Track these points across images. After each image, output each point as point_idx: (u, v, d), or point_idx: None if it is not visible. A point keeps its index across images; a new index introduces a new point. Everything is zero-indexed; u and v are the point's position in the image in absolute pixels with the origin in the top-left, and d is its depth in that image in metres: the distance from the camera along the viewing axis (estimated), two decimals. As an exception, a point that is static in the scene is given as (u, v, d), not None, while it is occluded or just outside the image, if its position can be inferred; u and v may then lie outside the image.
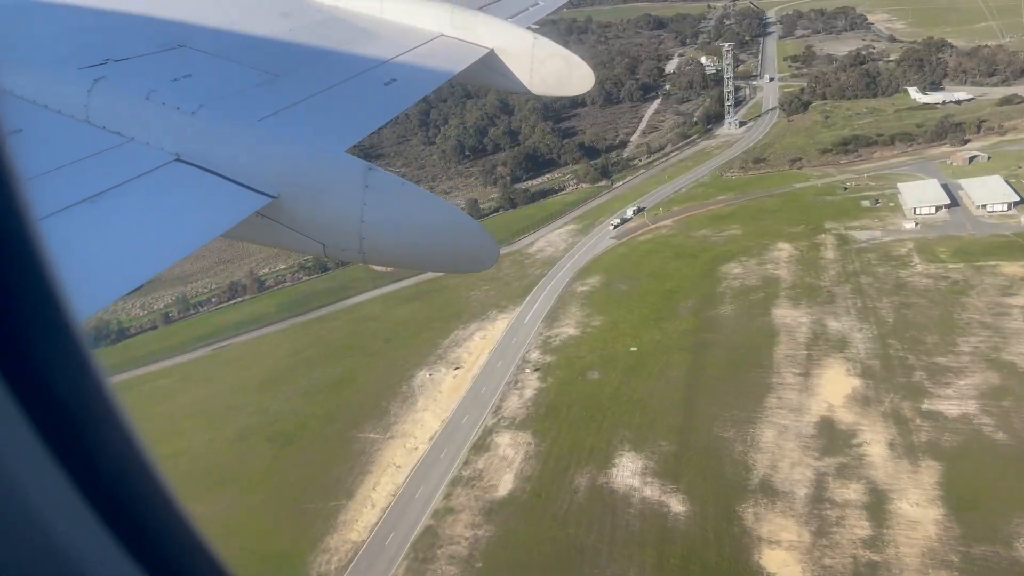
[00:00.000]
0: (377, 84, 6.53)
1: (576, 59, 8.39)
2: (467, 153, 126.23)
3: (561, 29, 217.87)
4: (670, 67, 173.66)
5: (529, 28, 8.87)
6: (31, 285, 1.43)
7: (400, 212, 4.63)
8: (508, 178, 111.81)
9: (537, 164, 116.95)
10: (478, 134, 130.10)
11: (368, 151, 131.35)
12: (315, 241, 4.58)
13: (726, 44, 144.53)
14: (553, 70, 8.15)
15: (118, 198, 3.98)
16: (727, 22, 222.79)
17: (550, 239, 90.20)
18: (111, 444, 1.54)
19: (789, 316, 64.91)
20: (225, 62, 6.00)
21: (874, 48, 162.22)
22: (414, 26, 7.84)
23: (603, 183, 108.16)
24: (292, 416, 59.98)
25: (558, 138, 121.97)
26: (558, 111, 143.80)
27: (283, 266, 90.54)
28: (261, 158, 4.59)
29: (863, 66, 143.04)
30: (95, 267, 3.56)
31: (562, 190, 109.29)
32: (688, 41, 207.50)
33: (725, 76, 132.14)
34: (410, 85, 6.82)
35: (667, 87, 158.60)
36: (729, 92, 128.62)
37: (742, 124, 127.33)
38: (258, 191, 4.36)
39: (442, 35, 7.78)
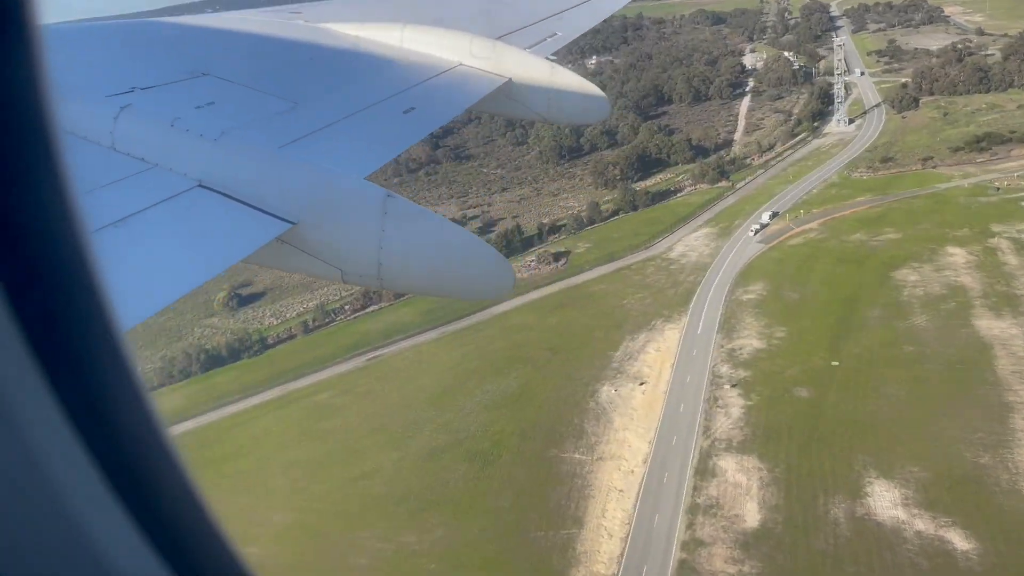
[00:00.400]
0: (396, 112, 6.57)
1: (593, 88, 8.60)
2: (564, 154, 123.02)
3: (615, 26, 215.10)
4: (745, 63, 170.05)
5: (547, 58, 8.99)
6: (82, 294, 1.54)
7: (418, 239, 4.69)
8: (619, 179, 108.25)
9: (645, 164, 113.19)
10: (574, 134, 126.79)
11: (457, 151, 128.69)
12: (333, 267, 4.62)
13: (837, 39, 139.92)
14: (570, 99, 8.26)
15: (142, 222, 4.04)
16: (788, 16, 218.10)
17: (688, 243, 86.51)
18: (146, 447, 1.64)
19: (995, 327, 60.81)
20: (247, 90, 6.09)
21: (971, 42, 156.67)
22: (434, 55, 7.89)
23: (723, 184, 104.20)
24: (481, 433, 56.85)
25: (665, 136, 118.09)
26: (645, 109, 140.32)
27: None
28: (281, 185, 4.64)
29: (968, 59, 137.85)
30: (119, 290, 3.41)
31: (679, 191, 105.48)
32: (755, 37, 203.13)
33: (836, 72, 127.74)
34: (429, 113, 6.91)
35: (751, 83, 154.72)
36: (839, 88, 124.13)
37: (851, 121, 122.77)
38: (278, 217, 4.39)
39: (461, 64, 7.86)
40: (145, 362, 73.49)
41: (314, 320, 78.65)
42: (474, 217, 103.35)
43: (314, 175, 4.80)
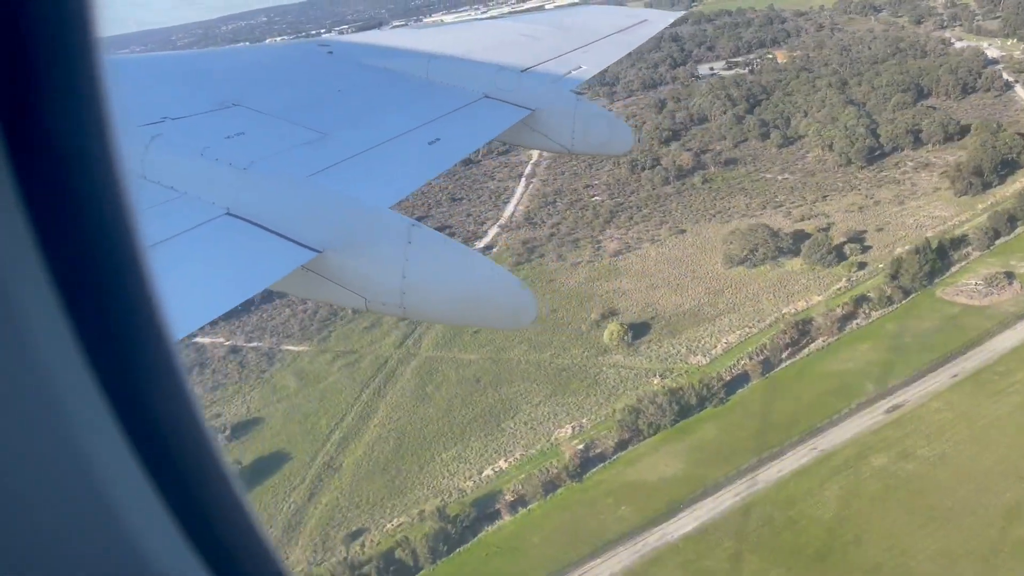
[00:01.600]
0: (422, 143, 6.63)
1: (618, 121, 9.27)
2: (867, 156, 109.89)
3: (758, 21, 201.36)
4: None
5: (573, 91, 9.09)
6: (136, 300, 1.57)
7: (442, 269, 4.69)
8: (979, 184, 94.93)
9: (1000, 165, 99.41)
10: (869, 133, 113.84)
11: (715, 155, 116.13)
12: (357, 296, 4.60)
13: None
14: (595, 131, 8.37)
15: (170, 250, 4.14)
16: (955, 3, 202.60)
17: None
18: (190, 446, 1.67)
19: None
20: (277, 120, 6.19)
21: None
22: (459, 86, 7.95)
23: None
24: None
25: (1019, 137, 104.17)
26: (912, 102, 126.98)
27: (818, 298, 75.28)
28: (308, 214, 4.68)
29: None
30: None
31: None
32: (945, 24, 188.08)
33: None
34: (454, 144, 6.94)
35: (1002, 73, 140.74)
36: None
37: None
38: (304, 245, 4.44)
39: (486, 96, 7.91)
40: (583, 413, 62.12)
41: (757, 354, 66.42)
42: (824, 228, 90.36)
43: (340, 204, 4.78)
